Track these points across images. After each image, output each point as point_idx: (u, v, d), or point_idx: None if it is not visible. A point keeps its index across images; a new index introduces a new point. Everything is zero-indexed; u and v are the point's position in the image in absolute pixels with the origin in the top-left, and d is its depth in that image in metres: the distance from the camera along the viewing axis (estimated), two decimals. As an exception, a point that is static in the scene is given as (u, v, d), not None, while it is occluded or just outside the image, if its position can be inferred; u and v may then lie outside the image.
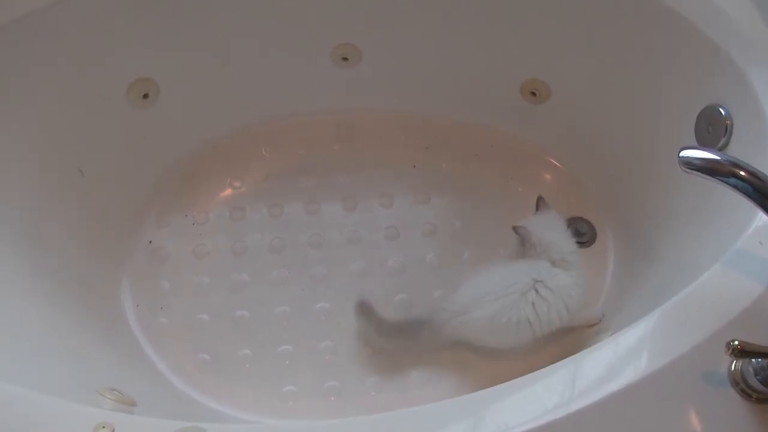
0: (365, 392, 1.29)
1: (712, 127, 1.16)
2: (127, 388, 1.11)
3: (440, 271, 1.45)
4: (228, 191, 1.55)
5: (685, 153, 0.81)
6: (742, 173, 0.78)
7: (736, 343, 0.71)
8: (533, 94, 1.52)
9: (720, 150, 1.13)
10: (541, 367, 0.86)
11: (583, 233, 1.47)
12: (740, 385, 0.78)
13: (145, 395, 1.15)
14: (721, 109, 1.15)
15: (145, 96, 1.44)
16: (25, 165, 1.27)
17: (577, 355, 0.88)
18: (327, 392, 1.29)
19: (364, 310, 1.30)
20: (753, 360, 0.77)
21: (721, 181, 0.80)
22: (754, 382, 0.77)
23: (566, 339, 1.29)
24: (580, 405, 0.80)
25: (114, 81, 1.40)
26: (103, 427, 0.78)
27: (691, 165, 0.81)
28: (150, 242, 1.46)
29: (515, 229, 1.29)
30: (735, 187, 0.79)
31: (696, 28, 1.19)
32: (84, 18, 1.29)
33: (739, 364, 0.79)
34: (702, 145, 1.17)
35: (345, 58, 1.54)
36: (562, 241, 1.28)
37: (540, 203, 1.37)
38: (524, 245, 1.28)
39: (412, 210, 1.53)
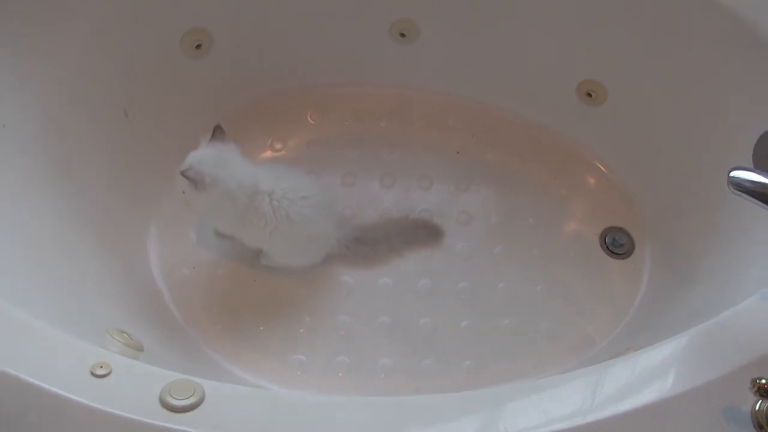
0: (374, 374, 1.28)
1: (771, 153, 1.10)
2: (139, 333, 1.12)
3: (469, 263, 1.41)
4: (268, 153, 1.54)
5: (736, 173, 0.77)
6: (794, 203, 0.74)
7: (764, 381, 0.67)
8: (589, 95, 1.47)
9: (777, 177, 1.08)
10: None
11: (622, 244, 1.42)
12: (765, 428, 0.73)
13: (155, 343, 1.15)
14: (784, 135, 1.10)
15: (198, 46, 1.43)
16: (74, 100, 1.27)
17: (594, 366, 0.85)
18: (336, 367, 1.28)
19: None
20: (779, 402, 0.73)
21: (771, 209, 0.75)
22: (778, 425, 0.72)
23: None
24: (589, 419, 0.77)
25: (169, 28, 1.39)
26: (101, 366, 0.78)
27: (741, 187, 0.76)
28: (183, 192, 1.45)
29: (183, 173, 1.17)
30: (785, 217, 0.74)
31: (770, 49, 1.14)
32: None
33: (765, 405, 0.74)
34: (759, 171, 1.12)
35: (402, 34, 1.51)
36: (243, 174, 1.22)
37: (217, 132, 1.23)
38: (197, 188, 1.19)
39: (449, 196, 1.50)
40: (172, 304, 1.33)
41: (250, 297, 1.35)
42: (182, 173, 1.17)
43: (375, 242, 1.40)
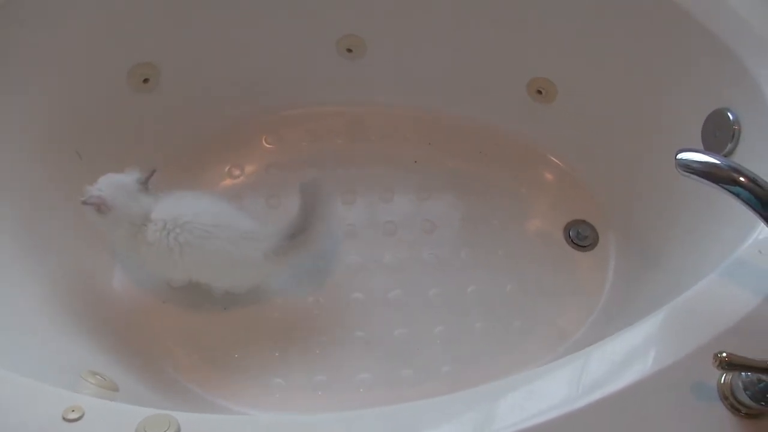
0: (354, 389, 1.27)
1: (719, 132, 1.13)
2: (114, 373, 1.10)
3: (437, 269, 1.42)
4: (227, 181, 1.54)
5: (683, 155, 0.78)
6: (741, 179, 0.75)
7: (724, 354, 0.68)
8: (539, 92, 1.49)
9: (726, 156, 1.10)
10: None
11: (586, 236, 1.44)
12: (729, 399, 0.75)
13: (131, 381, 1.14)
14: (729, 114, 1.12)
15: (146, 80, 1.43)
16: (24, 146, 1.26)
17: (564, 359, 0.86)
18: (315, 387, 1.27)
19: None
20: (743, 374, 0.74)
21: (720, 186, 0.77)
22: (743, 396, 0.74)
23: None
24: (556, 413, 0.77)
25: (115, 64, 1.39)
26: (73, 410, 0.77)
27: (689, 168, 0.78)
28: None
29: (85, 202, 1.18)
30: (733, 193, 0.76)
31: (708, 31, 1.17)
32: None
33: (729, 377, 0.76)
34: (708, 150, 1.14)
35: (349, 50, 1.52)
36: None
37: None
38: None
39: (411, 206, 1.51)
40: (145, 341, 1.31)
41: (222, 326, 1.34)
42: (83, 202, 1.19)
43: (303, 226, 1.31)
